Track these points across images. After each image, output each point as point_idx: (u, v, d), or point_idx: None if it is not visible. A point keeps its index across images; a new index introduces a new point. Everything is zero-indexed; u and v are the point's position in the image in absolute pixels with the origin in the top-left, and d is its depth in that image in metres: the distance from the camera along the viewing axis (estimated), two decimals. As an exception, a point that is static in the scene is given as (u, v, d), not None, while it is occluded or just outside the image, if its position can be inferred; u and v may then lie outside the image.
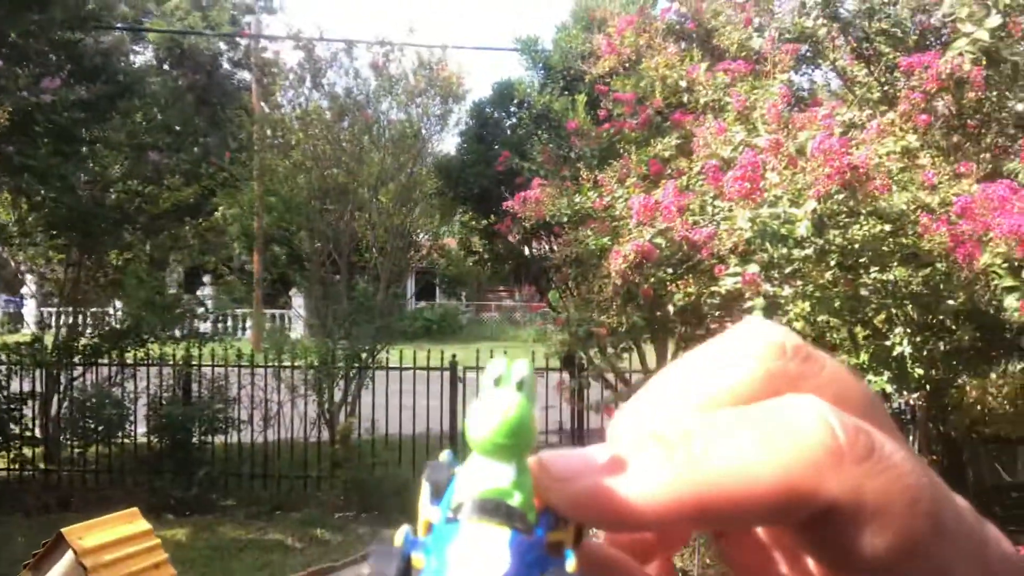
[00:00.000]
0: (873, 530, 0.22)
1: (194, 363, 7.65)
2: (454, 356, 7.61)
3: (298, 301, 11.84)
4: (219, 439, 7.40)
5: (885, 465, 0.22)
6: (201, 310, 8.44)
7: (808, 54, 4.56)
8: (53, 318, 8.15)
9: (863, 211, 2.82)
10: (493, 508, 0.23)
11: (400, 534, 0.24)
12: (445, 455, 0.26)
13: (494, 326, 23.31)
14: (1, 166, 7.21)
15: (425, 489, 0.25)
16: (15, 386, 7.54)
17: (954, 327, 3.52)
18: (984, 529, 0.24)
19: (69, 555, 2.80)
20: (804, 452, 0.22)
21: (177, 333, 7.79)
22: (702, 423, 0.24)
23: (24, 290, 11.00)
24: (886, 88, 3.91)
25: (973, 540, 0.24)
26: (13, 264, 9.21)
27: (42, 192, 7.71)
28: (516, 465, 0.23)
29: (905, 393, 3.80)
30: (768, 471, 0.22)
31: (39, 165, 7.15)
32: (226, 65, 22.96)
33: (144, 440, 7.53)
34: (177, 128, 8.68)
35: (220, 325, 9.00)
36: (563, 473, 0.24)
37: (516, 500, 0.23)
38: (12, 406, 7.44)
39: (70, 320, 7.92)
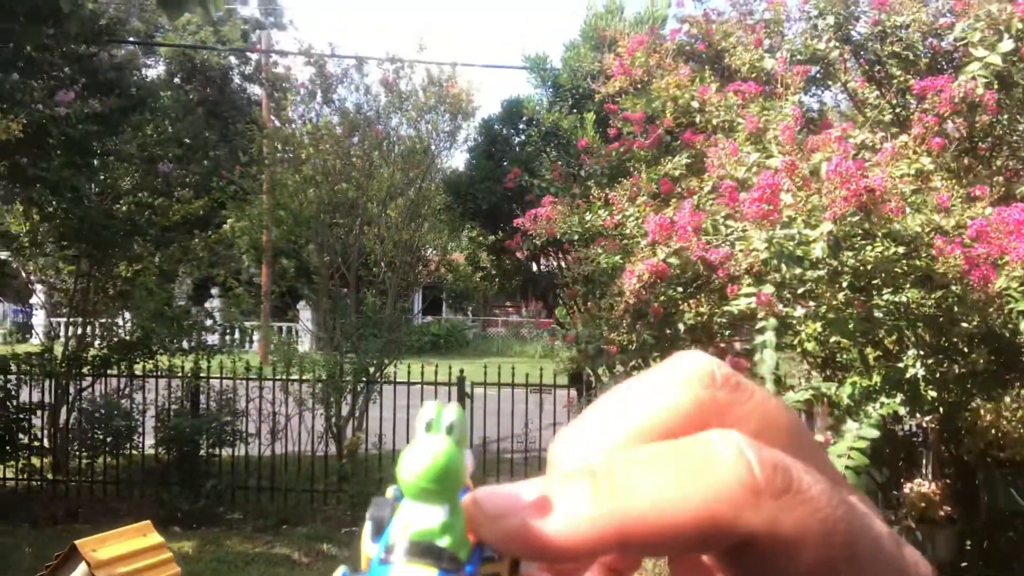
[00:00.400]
0: (790, 561, 0.23)
1: (202, 375, 7.66)
2: (462, 371, 7.62)
3: (306, 314, 11.87)
4: (226, 452, 7.40)
5: (802, 499, 0.23)
6: (210, 322, 8.47)
7: (818, 75, 4.59)
8: (62, 328, 8.19)
9: (878, 233, 2.84)
10: (423, 550, 0.24)
11: (338, 573, 0.26)
12: (391, 491, 0.27)
13: (500, 341, 23.30)
14: (15, 177, 7.28)
15: (367, 526, 0.27)
16: (24, 396, 7.56)
17: (968, 350, 3.51)
18: (903, 555, 0.26)
19: (82, 567, 2.80)
20: (722, 487, 0.23)
21: (186, 345, 7.81)
22: (626, 458, 0.25)
23: (34, 300, 11.06)
24: (898, 111, 3.93)
25: (890, 568, 0.25)
26: (23, 274, 9.27)
27: (54, 203, 7.78)
28: (448, 505, 0.25)
29: (918, 415, 3.79)
30: (688, 505, 0.23)
31: (52, 176, 7.22)
32: (237, 79, 23.14)
33: (152, 452, 7.53)
34: (188, 141, 8.73)
35: (228, 337, 9.03)
36: (494, 511, 0.25)
37: (445, 541, 0.24)
38: (21, 416, 7.45)
39: (79, 331, 7.95)
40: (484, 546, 0.25)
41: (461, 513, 0.25)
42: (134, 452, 7.59)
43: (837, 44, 3.97)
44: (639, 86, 5.04)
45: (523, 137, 10.23)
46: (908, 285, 3.37)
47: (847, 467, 3.10)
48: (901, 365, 3.59)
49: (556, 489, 0.25)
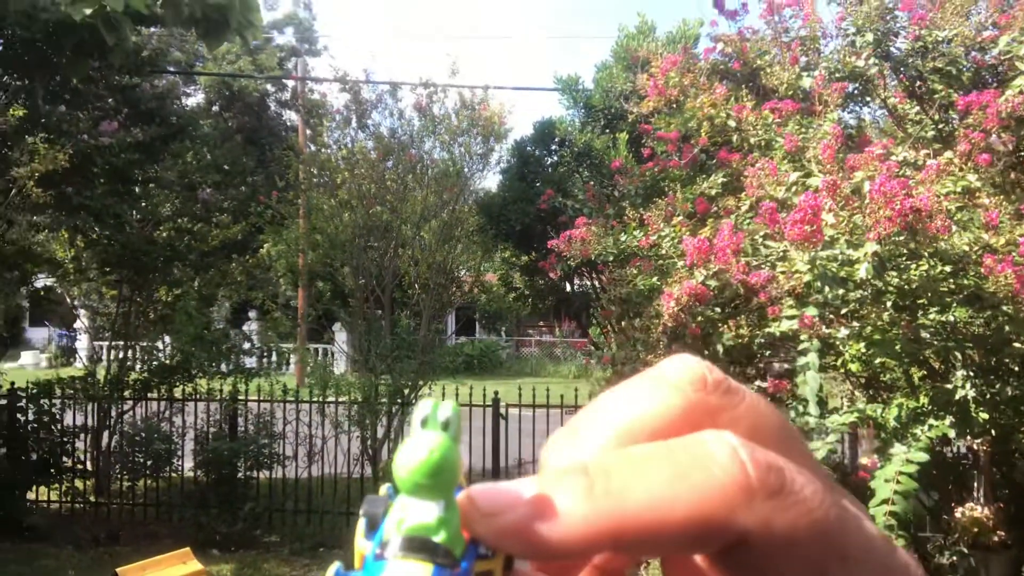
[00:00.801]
0: (783, 561, 0.23)
1: (240, 398, 7.74)
2: (496, 393, 7.59)
3: (341, 337, 11.95)
4: (264, 474, 7.44)
5: (795, 499, 0.24)
6: (248, 345, 8.57)
7: (856, 92, 4.52)
8: (105, 352, 8.34)
9: (924, 253, 2.77)
10: (418, 545, 0.24)
11: (332, 570, 0.25)
12: (384, 489, 0.27)
13: (534, 362, 23.22)
14: (60, 206, 7.47)
15: (361, 523, 0.27)
16: (68, 419, 7.71)
17: (1020, 370, 3.41)
18: (894, 556, 0.26)
19: (125, 594, 2.83)
20: (716, 487, 0.23)
21: (224, 368, 7.90)
22: (620, 457, 0.25)
23: (78, 324, 11.30)
24: (940, 126, 3.85)
25: (882, 568, 0.25)
26: (68, 299, 9.49)
27: (97, 230, 7.97)
28: (443, 501, 0.25)
29: (968, 438, 3.68)
30: (682, 505, 0.23)
31: (95, 204, 7.40)
32: (273, 106, 23.58)
33: (191, 474, 7.61)
34: (226, 168, 8.90)
35: (266, 360, 9.12)
36: (489, 508, 0.25)
37: (440, 536, 0.24)
38: (65, 439, 7.60)
39: (121, 354, 8.09)
40: (478, 544, 0.25)
41: (456, 509, 0.25)
42: (173, 475, 7.68)
43: (876, 61, 3.91)
44: (673, 106, 5.02)
45: (555, 158, 10.26)
46: (955, 304, 3.28)
47: (895, 491, 3.01)
48: (949, 386, 3.49)
49: (551, 487, 0.25)
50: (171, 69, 9.98)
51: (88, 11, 6.17)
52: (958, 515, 4.16)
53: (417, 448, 0.24)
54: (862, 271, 2.57)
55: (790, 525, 0.23)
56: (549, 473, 0.26)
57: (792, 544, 0.23)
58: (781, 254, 2.99)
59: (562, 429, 0.28)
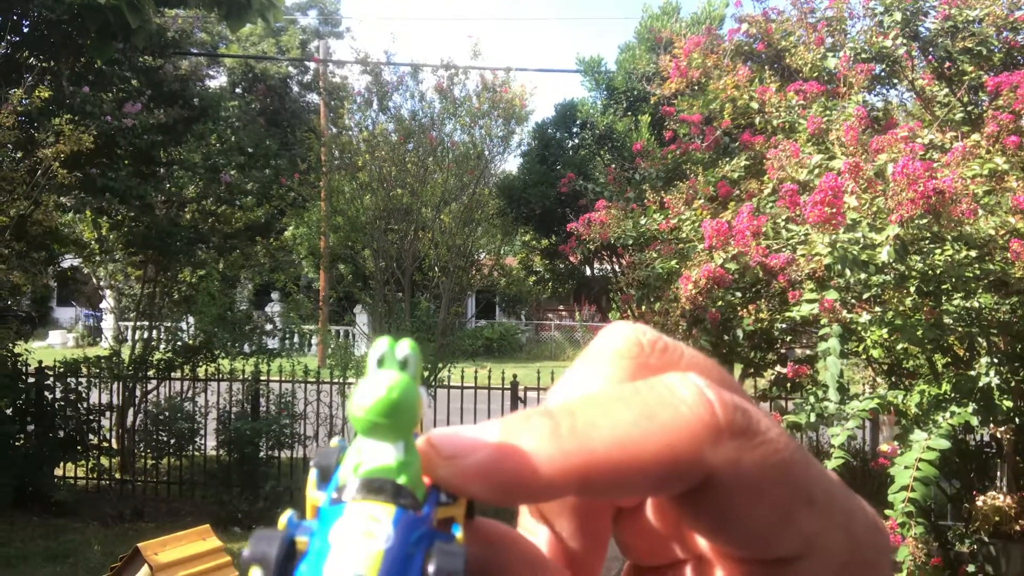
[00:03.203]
0: (749, 501, 0.23)
1: (262, 378, 7.83)
2: (515, 376, 7.60)
3: (362, 319, 12.03)
4: (285, 454, 7.53)
5: (761, 440, 0.23)
6: (270, 327, 8.65)
7: (883, 73, 4.44)
8: (130, 332, 8.46)
9: (948, 236, 2.72)
10: (378, 487, 0.23)
11: (283, 518, 0.24)
12: (335, 441, 0.26)
13: (553, 345, 23.24)
14: (85, 187, 7.56)
15: (312, 474, 0.25)
16: (94, 397, 7.84)
17: (1046, 358, 3.35)
18: (852, 500, 0.26)
19: (145, 570, 2.88)
20: (684, 426, 0.23)
21: (247, 349, 7.98)
22: (585, 399, 0.25)
23: (103, 305, 11.47)
24: (969, 108, 3.77)
25: (842, 511, 0.25)
26: (94, 280, 9.62)
27: (122, 212, 8.06)
28: (403, 443, 0.23)
29: (991, 426, 3.63)
30: (650, 444, 0.23)
31: (120, 186, 7.48)
32: (296, 88, 23.64)
33: (213, 453, 7.72)
34: (249, 150, 8.94)
35: (287, 341, 9.20)
36: (451, 451, 0.24)
37: (401, 479, 0.23)
38: (91, 417, 7.74)
39: (145, 334, 8.21)
40: (439, 490, 0.24)
41: (416, 453, 0.24)
42: (196, 453, 7.80)
43: (904, 41, 3.83)
44: (696, 88, 4.96)
45: (577, 140, 10.19)
46: (980, 290, 3.22)
47: (915, 478, 2.98)
48: (973, 373, 3.44)
49: (514, 428, 0.24)
50: (194, 51, 10.01)
51: (112, -7, 6.21)
52: (979, 503, 4.11)
53: (375, 386, 0.23)
54: (884, 254, 2.53)
55: (757, 464, 0.23)
56: (512, 417, 0.25)
57: (758, 484, 0.23)
58: (802, 237, 2.95)
59: (515, 414, 0.26)
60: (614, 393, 0.25)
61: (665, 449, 0.23)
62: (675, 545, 0.30)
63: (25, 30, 7.51)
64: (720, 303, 4.06)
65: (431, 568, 0.22)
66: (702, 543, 0.28)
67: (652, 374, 0.26)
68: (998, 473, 4.34)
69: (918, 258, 2.92)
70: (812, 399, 3.28)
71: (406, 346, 0.25)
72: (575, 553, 0.30)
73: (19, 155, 7.15)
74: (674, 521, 0.29)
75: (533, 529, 0.30)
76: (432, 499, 0.24)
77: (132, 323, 8.53)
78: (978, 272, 3.02)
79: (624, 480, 0.23)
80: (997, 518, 4.06)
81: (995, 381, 3.30)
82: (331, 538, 0.22)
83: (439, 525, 0.24)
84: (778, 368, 4.76)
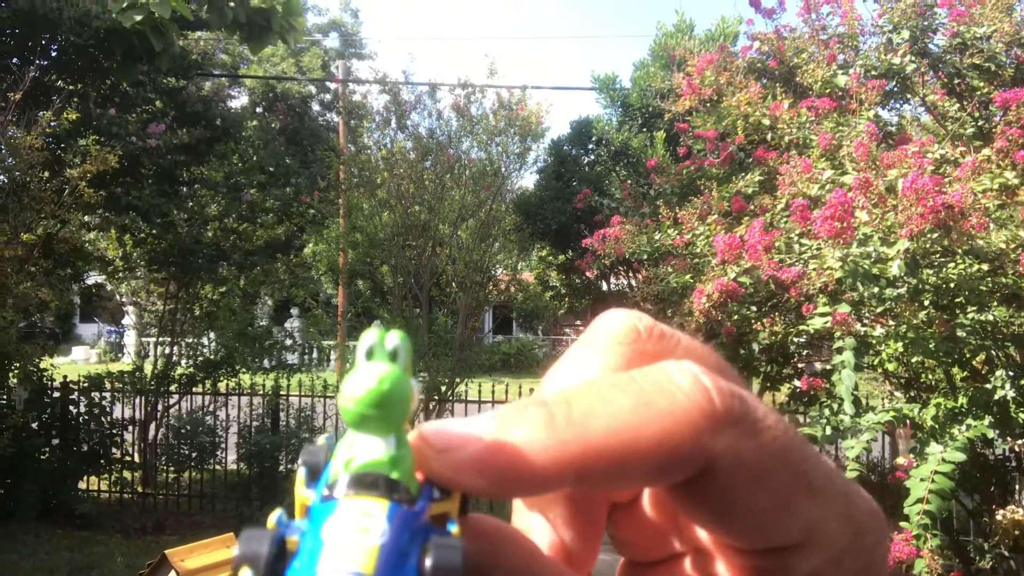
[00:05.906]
0: (749, 488, 0.23)
1: (282, 393, 7.91)
2: (531, 390, 7.63)
3: (380, 334, 12.06)
4: (304, 468, 7.58)
5: (760, 427, 0.23)
6: (289, 342, 8.75)
7: (895, 89, 4.47)
8: (152, 348, 8.60)
9: (959, 250, 2.75)
10: (370, 481, 0.22)
11: (272, 517, 0.23)
12: (323, 439, 0.25)
13: (570, 361, 23.14)
14: (110, 205, 7.72)
15: (301, 472, 0.24)
16: (117, 412, 7.96)
17: (1061, 371, 3.35)
18: (850, 486, 0.26)
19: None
20: (682, 413, 0.22)
21: (267, 364, 8.08)
22: (581, 388, 0.24)
23: (126, 320, 11.65)
24: (980, 123, 3.80)
25: (842, 498, 0.25)
26: (117, 296, 9.79)
27: (145, 229, 8.22)
28: (394, 437, 0.23)
29: (1009, 439, 3.62)
30: (648, 432, 0.22)
31: (144, 204, 7.64)
32: (316, 107, 23.93)
33: (234, 467, 7.80)
34: (270, 169, 9.10)
35: (307, 357, 9.29)
36: (445, 444, 0.23)
37: (394, 473, 0.22)
38: (114, 431, 7.86)
39: (167, 350, 8.34)
40: (432, 485, 0.24)
41: (408, 447, 0.23)
42: (217, 467, 7.89)
43: (913, 58, 3.87)
44: (709, 104, 5.02)
45: (592, 157, 10.26)
46: (994, 303, 3.24)
47: (930, 490, 2.99)
48: (989, 386, 3.45)
49: (509, 419, 0.24)
50: (216, 72, 10.20)
51: (138, 18, 6.38)
52: (999, 517, 4.09)
53: (365, 378, 0.22)
54: (894, 268, 2.57)
55: (756, 451, 0.23)
56: (507, 407, 0.24)
57: (758, 472, 0.23)
58: (815, 251, 2.99)
59: (509, 405, 0.25)
60: (610, 381, 0.24)
61: (664, 437, 0.22)
62: (672, 538, 0.30)
63: (53, 54, 7.71)
64: (735, 317, 4.09)
65: (429, 562, 0.21)
66: (701, 535, 0.28)
67: (648, 361, 0.26)
68: (1017, 487, 4.31)
69: (930, 271, 2.95)
70: (827, 412, 3.30)
71: (395, 337, 0.24)
72: (570, 545, 0.29)
73: (46, 175, 7.33)
74: (672, 513, 0.29)
75: (528, 524, 0.30)
76: (426, 494, 0.23)
77: (154, 339, 8.67)
78: (991, 285, 3.04)
79: (622, 469, 0.22)
80: (1017, 532, 4.04)
81: (1011, 394, 3.30)
82: (324, 535, 0.21)
83: (433, 520, 0.23)
84: (795, 382, 4.78)
